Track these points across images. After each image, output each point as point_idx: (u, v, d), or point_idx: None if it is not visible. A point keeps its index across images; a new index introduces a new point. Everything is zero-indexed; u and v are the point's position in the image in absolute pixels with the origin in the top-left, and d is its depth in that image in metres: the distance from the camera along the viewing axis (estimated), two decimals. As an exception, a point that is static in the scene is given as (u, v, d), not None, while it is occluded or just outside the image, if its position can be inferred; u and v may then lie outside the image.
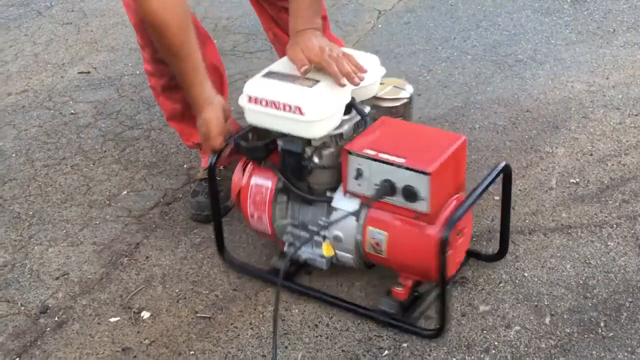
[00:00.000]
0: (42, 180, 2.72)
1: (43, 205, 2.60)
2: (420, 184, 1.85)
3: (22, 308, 2.18)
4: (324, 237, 2.05)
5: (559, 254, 2.18)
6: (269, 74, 2.03)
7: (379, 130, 2.02)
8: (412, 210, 1.90)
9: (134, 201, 2.54)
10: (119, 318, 2.12)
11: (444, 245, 1.82)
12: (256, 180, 2.13)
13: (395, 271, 2.03)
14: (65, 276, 2.27)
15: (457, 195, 1.98)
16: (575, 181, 2.46)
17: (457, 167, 1.98)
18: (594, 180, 2.45)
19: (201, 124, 2.11)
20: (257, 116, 2.02)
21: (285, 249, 2.12)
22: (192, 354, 1.97)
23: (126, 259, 2.32)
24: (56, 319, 2.12)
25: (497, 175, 2.03)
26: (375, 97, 2.14)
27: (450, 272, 1.98)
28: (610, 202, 2.36)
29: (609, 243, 2.21)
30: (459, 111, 2.88)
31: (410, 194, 1.87)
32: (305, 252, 2.10)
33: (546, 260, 2.17)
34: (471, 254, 2.19)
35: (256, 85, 2.00)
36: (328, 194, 2.04)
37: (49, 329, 2.09)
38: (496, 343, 1.93)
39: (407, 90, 2.19)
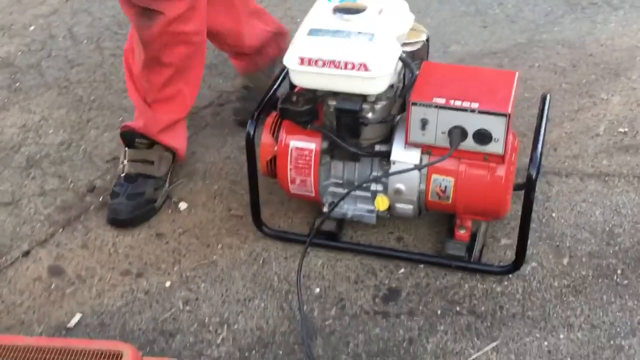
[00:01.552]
0: (108, 68, 2.82)
1: (105, 92, 2.71)
2: (496, 126, 1.83)
3: (72, 185, 2.32)
4: (375, 192, 2.01)
5: (590, 199, 2.19)
6: (314, 32, 1.89)
7: (433, 77, 1.95)
8: (483, 153, 1.88)
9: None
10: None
11: (532, 182, 1.84)
12: (297, 143, 2.03)
13: (457, 214, 2.02)
14: (115, 160, 2.36)
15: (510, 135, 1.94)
16: (623, 130, 2.44)
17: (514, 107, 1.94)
18: (643, 132, 2.43)
19: None
20: (310, 78, 1.90)
21: (326, 209, 2.05)
22: (220, 247, 2.08)
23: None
24: (100, 199, 2.25)
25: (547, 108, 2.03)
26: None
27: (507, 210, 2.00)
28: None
29: (644, 195, 2.20)
30: (521, 48, 2.84)
31: (484, 137, 1.85)
32: (351, 209, 2.06)
33: (577, 204, 2.18)
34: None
35: (307, 46, 1.88)
36: (377, 148, 1.99)
37: (93, 207, 2.24)
38: (510, 276, 1.97)
39: (424, 33, 2.12)
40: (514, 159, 1.96)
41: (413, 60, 1.99)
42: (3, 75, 2.80)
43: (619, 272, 1.98)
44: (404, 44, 2.01)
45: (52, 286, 2.00)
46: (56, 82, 2.76)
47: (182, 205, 2.23)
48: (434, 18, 3.03)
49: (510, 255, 1.98)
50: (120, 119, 2.56)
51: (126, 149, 2.25)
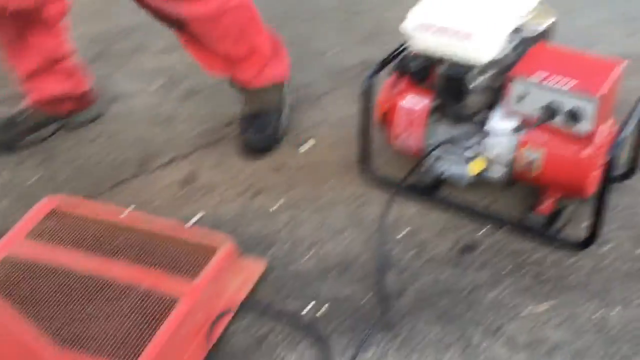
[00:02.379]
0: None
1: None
2: (585, 108, 1.94)
3: (218, 116, 2.69)
4: (469, 156, 2.17)
5: None
6: (432, 2, 2.09)
7: (540, 55, 2.08)
8: (571, 131, 2.00)
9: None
10: (284, 142, 2.56)
11: (611, 165, 1.93)
12: (410, 100, 2.22)
13: (541, 188, 2.15)
14: None
15: (610, 120, 2.08)
16: None
17: (614, 93, 2.05)
18: None
19: None
20: (425, 42, 2.08)
21: (430, 165, 2.25)
22: (328, 184, 2.35)
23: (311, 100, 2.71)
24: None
25: None
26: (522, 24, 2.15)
27: (593, 190, 2.08)
28: None
29: None
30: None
31: (573, 117, 1.96)
32: (447, 169, 2.23)
33: None
34: None
35: (425, 13, 2.07)
36: (480, 115, 2.14)
37: (231, 136, 2.58)
38: (582, 253, 2.09)
39: (551, 16, 2.20)
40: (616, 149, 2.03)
41: (535, 41, 2.13)
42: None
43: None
44: (530, 24, 2.15)
45: (183, 191, 2.34)
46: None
47: (307, 145, 2.51)
48: (583, 19, 3.11)
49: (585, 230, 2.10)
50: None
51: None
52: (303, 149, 2.51)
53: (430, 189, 2.29)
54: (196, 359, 1.81)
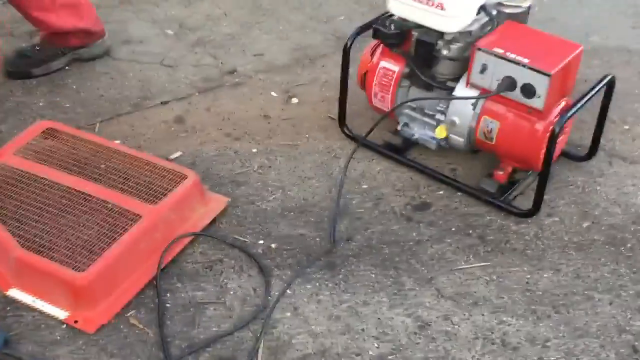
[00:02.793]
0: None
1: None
2: (540, 83, 2.06)
3: (220, 65, 2.85)
4: (438, 121, 2.30)
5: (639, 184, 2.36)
6: None
7: (506, 32, 2.20)
8: (527, 105, 2.12)
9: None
10: (276, 95, 2.70)
11: (554, 137, 2.06)
12: (384, 64, 2.36)
13: (498, 157, 2.28)
14: (260, 57, 2.84)
15: (565, 98, 2.18)
16: None
17: (570, 73, 2.16)
18: None
19: None
20: (401, 7, 2.21)
21: (399, 127, 2.38)
22: (307, 136, 2.52)
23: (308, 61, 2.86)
24: (236, 80, 2.75)
25: (602, 86, 2.21)
26: (498, 3, 2.27)
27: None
28: None
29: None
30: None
31: (529, 91, 2.09)
32: (418, 133, 2.36)
33: (625, 186, 2.37)
34: (565, 154, 2.41)
35: None
36: (448, 84, 2.26)
37: (227, 84, 2.73)
38: (530, 220, 2.21)
39: (528, 1, 2.30)
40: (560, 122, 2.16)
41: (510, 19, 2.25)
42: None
43: (628, 245, 2.16)
44: (506, 6, 2.28)
45: (172, 129, 2.53)
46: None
47: (294, 100, 2.67)
48: (590, 9, 3.19)
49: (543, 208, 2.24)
50: (281, 27, 3.02)
51: None
52: (292, 102, 2.65)
53: (400, 150, 2.43)
54: (147, 275, 1.99)
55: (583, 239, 2.17)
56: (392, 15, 2.29)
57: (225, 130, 2.52)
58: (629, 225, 2.22)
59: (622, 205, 2.28)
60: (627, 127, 2.58)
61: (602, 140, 2.46)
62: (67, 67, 2.78)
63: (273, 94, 2.70)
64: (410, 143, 2.43)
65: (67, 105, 2.61)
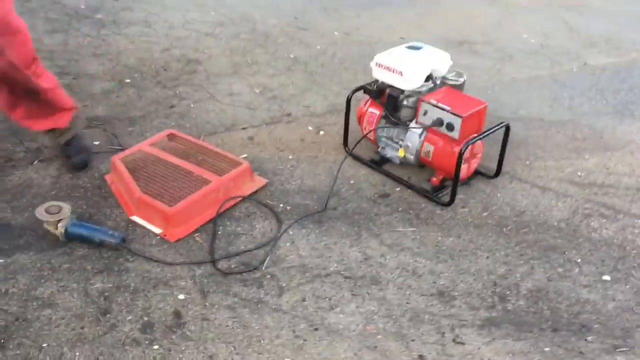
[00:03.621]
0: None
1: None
2: (456, 122, 2.34)
3: (282, 110, 3.08)
4: (400, 146, 2.59)
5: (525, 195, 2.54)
6: (386, 54, 2.51)
7: (441, 93, 2.50)
8: (449, 136, 2.41)
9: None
10: (311, 129, 2.89)
11: (460, 156, 2.34)
12: (371, 109, 2.67)
13: (434, 169, 2.57)
14: (307, 107, 3.11)
15: (477, 135, 2.45)
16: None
17: (478, 118, 2.43)
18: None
19: None
20: (379, 73, 2.51)
21: (379, 149, 2.67)
22: (324, 152, 2.69)
23: (336, 111, 3.10)
24: (290, 119, 3.00)
25: (499, 127, 2.46)
26: (444, 77, 2.55)
27: (462, 175, 2.47)
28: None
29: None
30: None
31: (450, 127, 2.38)
32: (389, 152, 2.64)
33: (517, 195, 2.53)
34: (479, 173, 2.64)
35: (381, 56, 2.51)
36: (407, 123, 2.55)
37: (284, 121, 2.99)
38: (449, 209, 2.46)
39: (463, 77, 2.56)
40: (474, 152, 2.47)
41: (458, 89, 2.55)
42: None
43: (509, 227, 2.40)
44: (448, 79, 2.58)
45: (245, 142, 2.91)
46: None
47: (322, 132, 3.01)
48: (521, 93, 3.43)
49: (457, 199, 2.51)
50: (324, 92, 3.40)
51: None
52: (320, 133, 3.01)
53: (378, 163, 2.74)
54: (210, 216, 2.37)
55: (480, 221, 2.42)
56: (376, 80, 2.64)
57: (275, 146, 2.89)
58: (512, 217, 2.45)
59: (511, 206, 2.52)
60: (528, 162, 2.81)
61: (509, 169, 2.72)
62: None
63: (309, 127, 3.04)
64: (385, 159, 2.73)
65: (187, 125, 3.05)
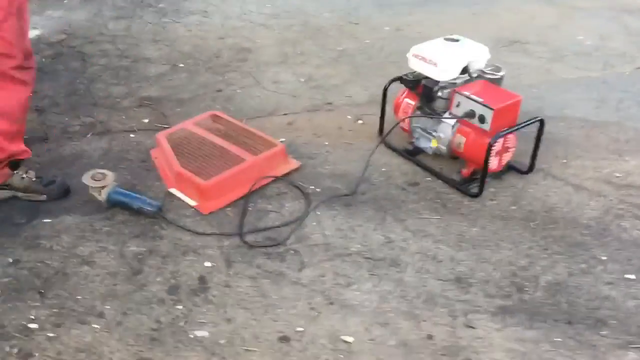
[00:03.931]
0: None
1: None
2: (488, 114, 2.36)
3: (324, 99, 3.16)
4: (433, 136, 2.61)
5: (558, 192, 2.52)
6: (425, 44, 2.54)
7: (476, 85, 2.52)
8: (481, 128, 2.42)
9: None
10: (350, 117, 2.97)
11: (490, 148, 2.36)
12: (407, 100, 2.71)
13: (465, 160, 2.58)
14: (349, 97, 3.18)
15: (509, 128, 2.44)
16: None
17: (511, 111, 2.42)
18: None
19: None
20: (415, 64, 2.55)
21: (414, 140, 2.70)
22: (360, 140, 2.73)
23: (376, 102, 3.14)
24: (330, 108, 3.05)
25: (532, 122, 2.45)
26: (482, 70, 2.56)
27: (493, 168, 2.47)
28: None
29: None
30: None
31: (482, 119, 2.40)
32: (422, 143, 2.66)
33: (549, 191, 2.51)
34: (513, 168, 2.63)
35: (418, 47, 2.55)
36: (442, 114, 2.57)
37: (324, 109, 3.07)
38: (477, 200, 2.46)
39: (502, 72, 2.56)
40: (506, 146, 2.46)
41: (495, 83, 2.56)
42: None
43: (536, 221, 2.39)
44: (486, 73, 2.59)
45: (284, 127, 3.01)
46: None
47: (360, 122, 3.07)
48: (568, 93, 3.39)
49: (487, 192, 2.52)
50: (368, 83, 3.45)
51: None
52: (359, 122, 3.07)
53: (412, 153, 2.78)
54: (242, 192, 2.48)
55: (507, 215, 2.43)
56: (413, 71, 2.68)
57: (314, 132, 2.97)
58: (541, 212, 2.45)
59: (541, 202, 2.51)
60: (565, 160, 2.78)
61: (544, 165, 2.70)
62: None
63: (348, 117, 3.11)
64: (419, 150, 2.77)
65: (232, 109, 3.18)
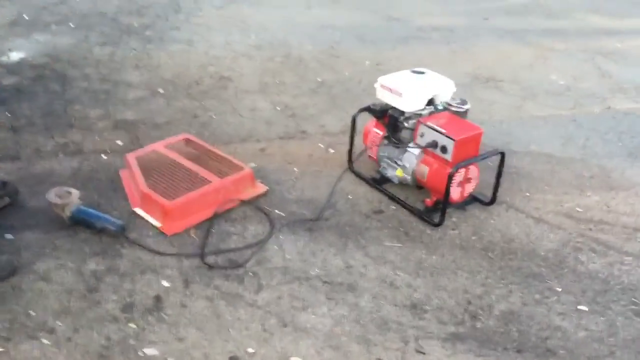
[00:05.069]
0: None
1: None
2: (450, 145, 2.40)
3: (298, 127, 3.21)
4: (399, 165, 2.63)
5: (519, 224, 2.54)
6: (390, 76, 2.57)
7: (441, 117, 2.55)
8: (443, 158, 2.45)
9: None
10: (322, 146, 3.00)
11: (450, 177, 2.38)
12: (374, 129, 2.75)
13: (429, 190, 2.61)
14: (323, 127, 3.23)
15: (470, 159, 2.47)
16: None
17: (473, 143, 2.45)
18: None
19: None
20: (382, 94, 2.59)
21: (380, 169, 2.72)
22: (329, 168, 2.79)
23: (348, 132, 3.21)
24: (303, 136, 3.10)
25: (493, 154, 2.48)
26: (447, 102, 2.60)
27: (455, 198, 2.49)
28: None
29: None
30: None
31: (444, 149, 2.43)
32: (389, 172, 2.68)
33: (510, 224, 2.53)
34: (475, 199, 2.66)
35: (385, 78, 2.59)
36: (407, 143, 2.59)
37: (297, 137, 3.10)
38: (439, 229, 2.48)
39: (467, 105, 2.59)
40: (468, 177, 2.49)
41: (460, 116, 2.57)
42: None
43: (495, 252, 2.41)
44: (452, 105, 2.62)
45: (256, 153, 3.03)
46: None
47: (331, 150, 3.10)
48: (535, 131, 3.44)
49: (449, 221, 2.54)
50: (343, 114, 3.50)
51: None
52: (330, 151, 3.10)
53: (379, 182, 2.80)
54: (207, 214, 2.48)
55: (467, 244, 2.45)
56: (381, 101, 2.72)
57: (284, 158, 3.00)
58: (500, 243, 2.46)
59: (502, 233, 2.53)
60: (528, 194, 2.81)
61: (507, 198, 2.74)
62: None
63: (320, 145, 3.14)
64: (385, 179, 2.79)
65: (207, 133, 3.21)
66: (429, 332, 2.01)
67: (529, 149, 3.22)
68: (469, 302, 2.14)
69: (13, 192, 2.50)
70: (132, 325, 1.96)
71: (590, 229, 2.57)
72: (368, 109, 2.72)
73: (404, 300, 2.14)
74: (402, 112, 2.60)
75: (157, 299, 2.07)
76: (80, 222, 2.36)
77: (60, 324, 1.94)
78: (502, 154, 2.55)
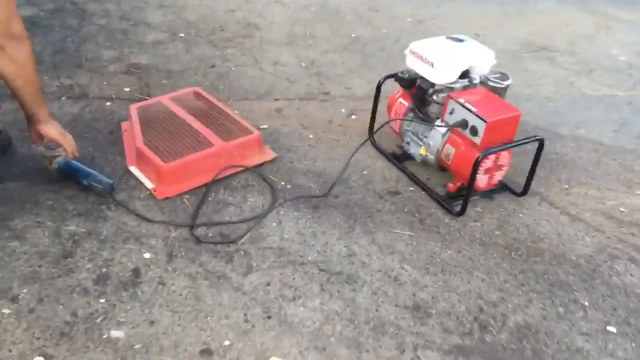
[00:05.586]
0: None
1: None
2: (481, 126, 2.11)
3: (322, 88, 2.92)
4: (423, 142, 2.37)
5: (539, 218, 2.25)
6: (424, 42, 2.30)
7: (475, 93, 2.25)
8: (472, 141, 2.17)
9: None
10: (344, 111, 2.83)
11: (477, 163, 2.11)
12: (400, 100, 2.47)
13: (453, 174, 2.33)
14: (349, 89, 2.95)
15: (503, 144, 2.18)
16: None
17: (508, 127, 2.15)
18: None
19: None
20: (411, 62, 2.31)
21: (404, 144, 2.45)
22: (347, 137, 2.50)
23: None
24: (325, 98, 2.84)
25: (529, 141, 2.19)
26: (485, 76, 2.29)
27: (481, 186, 2.23)
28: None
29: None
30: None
31: (474, 130, 2.15)
32: (412, 148, 2.42)
33: (541, 219, 2.25)
34: (505, 187, 2.38)
35: (416, 44, 2.30)
36: (435, 119, 2.33)
37: (318, 99, 2.83)
38: (459, 219, 2.23)
39: (508, 81, 2.28)
40: (498, 163, 2.21)
41: (497, 93, 2.28)
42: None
43: (519, 253, 2.14)
44: (489, 80, 2.31)
45: (271, 113, 2.80)
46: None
47: (353, 117, 2.84)
48: (585, 113, 3.08)
49: (472, 211, 2.28)
50: (371, 77, 3.20)
51: None
52: (352, 117, 2.83)
53: (399, 158, 2.54)
54: (205, 180, 2.27)
55: (489, 240, 2.18)
56: (410, 69, 2.42)
57: (300, 122, 2.75)
58: (527, 242, 2.19)
59: (530, 230, 2.24)
60: (567, 186, 2.50)
61: (542, 189, 2.44)
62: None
63: (342, 110, 2.88)
64: (407, 155, 2.52)
65: (221, 87, 2.97)
66: (429, 341, 1.77)
67: (575, 132, 2.88)
68: (481, 310, 1.89)
69: (6, 142, 2.32)
70: (102, 300, 1.78)
71: (633, 234, 2.26)
72: (395, 76, 2.42)
73: (407, 300, 1.90)
74: (432, 84, 2.31)
75: (135, 272, 1.89)
76: (67, 176, 2.17)
77: (25, 291, 1.78)
78: (541, 142, 2.24)
